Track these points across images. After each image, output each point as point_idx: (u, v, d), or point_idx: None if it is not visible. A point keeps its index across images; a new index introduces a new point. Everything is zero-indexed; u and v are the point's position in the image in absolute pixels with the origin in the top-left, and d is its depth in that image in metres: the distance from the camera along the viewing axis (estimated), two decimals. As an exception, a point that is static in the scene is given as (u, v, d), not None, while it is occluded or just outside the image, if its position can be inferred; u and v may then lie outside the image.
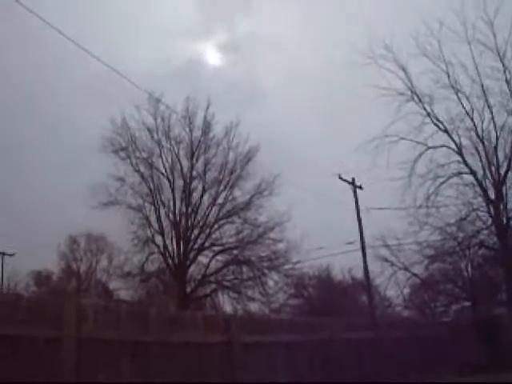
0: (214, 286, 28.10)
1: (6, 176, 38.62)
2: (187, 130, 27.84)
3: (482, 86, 19.91)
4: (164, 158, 27.89)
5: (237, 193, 27.89)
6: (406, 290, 27.44)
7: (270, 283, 27.89)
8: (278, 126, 50.13)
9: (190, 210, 27.39)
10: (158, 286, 29.27)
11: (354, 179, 26.66)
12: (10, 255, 38.38)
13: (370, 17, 51.39)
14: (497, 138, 20.01)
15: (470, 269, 25.03)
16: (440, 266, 24.02)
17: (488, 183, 20.32)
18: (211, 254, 27.54)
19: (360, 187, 26.79)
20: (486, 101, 20.01)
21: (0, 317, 5.40)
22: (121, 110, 27.42)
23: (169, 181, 27.75)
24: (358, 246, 25.98)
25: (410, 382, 11.81)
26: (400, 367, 12.11)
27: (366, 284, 26.81)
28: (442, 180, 20.42)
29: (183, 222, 27.28)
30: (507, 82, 19.47)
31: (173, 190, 27.64)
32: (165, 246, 27.19)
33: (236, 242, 27.63)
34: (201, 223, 27.32)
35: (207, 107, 27.62)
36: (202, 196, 27.59)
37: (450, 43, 20.13)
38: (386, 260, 24.96)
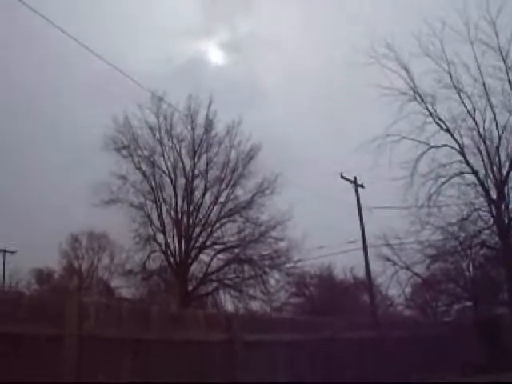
0: (215, 284, 28.12)
1: (6, 176, 38.71)
2: (189, 128, 27.86)
3: (484, 85, 19.85)
4: (166, 156, 27.91)
5: (239, 191, 27.93)
6: (408, 290, 27.44)
7: (272, 282, 27.94)
8: (278, 126, 50.13)
9: (191, 208, 27.41)
10: (160, 284, 29.29)
11: (355, 178, 26.68)
12: (12, 253, 38.50)
13: (370, 17, 51.38)
14: (499, 138, 19.97)
15: (471, 268, 24.99)
16: (442, 266, 23.99)
17: (490, 183, 20.28)
18: (213, 253, 27.57)
19: (362, 186, 26.79)
20: (488, 100, 19.96)
21: (2, 315, 5.40)
22: (123, 109, 27.45)
23: (171, 179, 27.76)
24: (359, 245, 26.01)
25: (411, 382, 11.80)
26: (401, 367, 12.10)
27: (367, 283, 26.80)
28: (443, 180, 20.38)
29: (185, 220, 27.29)
30: (509, 81, 19.41)
31: (175, 189, 27.66)
32: (166, 245, 27.22)
33: (238, 241, 27.64)
34: (202, 221, 27.33)
35: (209, 105, 27.65)
36: (203, 194, 27.60)
37: (453, 43, 20.09)
38: (388, 259, 24.92)
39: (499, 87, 19.69)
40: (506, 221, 19.79)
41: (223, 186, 27.63)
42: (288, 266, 27.72)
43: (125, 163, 27.54)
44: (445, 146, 20.59)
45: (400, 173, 20.28)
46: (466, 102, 20.31)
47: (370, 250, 25.64)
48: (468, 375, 13.71)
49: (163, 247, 27.25)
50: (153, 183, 27.65)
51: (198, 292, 27.88)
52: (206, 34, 71.73)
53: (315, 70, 54.21)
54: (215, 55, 67.82)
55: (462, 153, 20.45)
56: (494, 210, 20.02)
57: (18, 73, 47.57)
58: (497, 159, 20.15)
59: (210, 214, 27.34)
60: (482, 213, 20.49)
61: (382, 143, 20.69)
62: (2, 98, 42.38)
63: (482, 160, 20.33)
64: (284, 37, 71.11)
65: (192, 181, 27.63)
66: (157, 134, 27.66)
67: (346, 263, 33.80)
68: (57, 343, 5.76)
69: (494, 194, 20.10)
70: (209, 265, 27.44)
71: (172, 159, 27.88)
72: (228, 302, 27.56)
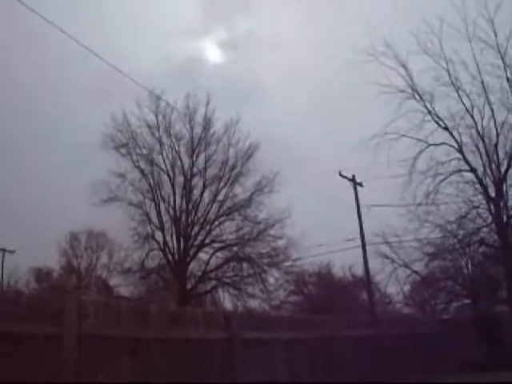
0: (214, 282, 28.15)
1: (6, 175, 38.69)
2: (188, 126, 27.90)
3: (483, 83, 19.88)
4: (165, 154, 27.95)
5: (237, 190, 27.98)
6: (407, 287, 27.50)
7: (271, 280, 27.99)
8: (277, 125, 50.30)
9: (190, 206, 27.42)
10: (158, 282, 29.30)
11: (354, 176, 26.71)
12: (11, 252, 38.49)
13: (370, 17, 51.39)
14: (497, 136, 19.99)
15: (470, 266, 25.07)
16: (440, 264, 24.04)
17: (488, 181, 20.31)
18: (211, 251, 27.61)
19: (360, 184, 26.83)
20: (487, 98, 20.00)
21: (0, 314, 5.39)
22: (122, 108, 27.54)
23: (169, 177, 27.79)
24: (358, 243, 26.07)
25: (411, 382, 11.81)
26: (400, 365, 12.12)
27: (366, 281, 26.84)
28: (442, 177, 20.42)
29: (183, 218, 27.30)
30: (508, 79, 19.44)
31: (173, 187, 27.68)
32: (165, 243, 27.23)
33: (236, 239, 27.66)
34: (201, 220, 27.35)
35: (207, 103, 27.73)
36: (202, 193, 27.63)
37: (451, 41, 20.10)
38: (387, 257, 24.97)
39: (497, 85, 19.76)
40: (505, 218, 19.82)
41: (222, 184, 27.67)
42: (287, 264, 27.79)
43: (123, 161, 27.63)
44: (443, 143, 20.63)
45: (398, 171, 20.34)
46: (465, 99, 20.37)
47: (368, 248, 25.72)
48: (467, 373, 13.72)
49: (162, 245, 27.26)
50: (151, 181, 27.69)
51: (196, 290, 27.90)
52: (205, 34, 71.90)
53: (315, 70, 54.39)
54: (214, 54, 67.83)
55: (460, 151, 20.47)
56: (492, 207, 20.05)
57: (18, 73, 47.58)
58: (495, 157, 20.17)
59: (208, 212, 27.37)
60: (480, 210, 20.53)
61: (381, 141, 20.76)
62: (2, 97, 42.41)
63: (481, 158, 20.37)
64: (284, 36, 71.17)
65: (190, 179, 27.65)
66: (155, 133, 27.73)
67: (344, 261, 33.95)
68: (56, 342, 5.75)
69: (492, 192, 20.13)
70: (207, 263, 27.48)
71: (170, 157, 27.94)
72: (227, 300, 27.65)
